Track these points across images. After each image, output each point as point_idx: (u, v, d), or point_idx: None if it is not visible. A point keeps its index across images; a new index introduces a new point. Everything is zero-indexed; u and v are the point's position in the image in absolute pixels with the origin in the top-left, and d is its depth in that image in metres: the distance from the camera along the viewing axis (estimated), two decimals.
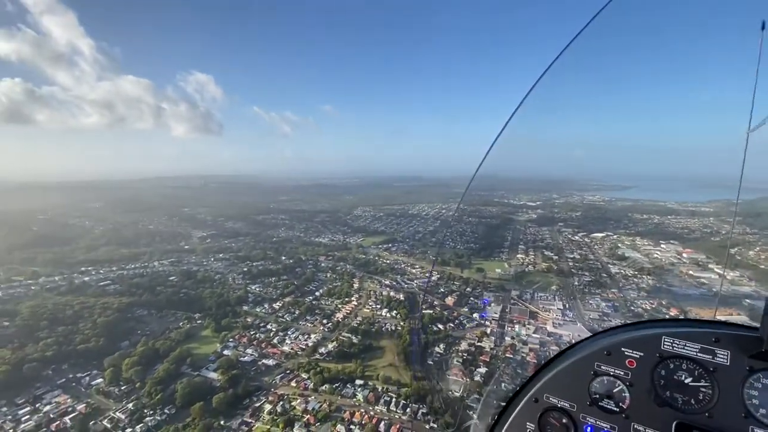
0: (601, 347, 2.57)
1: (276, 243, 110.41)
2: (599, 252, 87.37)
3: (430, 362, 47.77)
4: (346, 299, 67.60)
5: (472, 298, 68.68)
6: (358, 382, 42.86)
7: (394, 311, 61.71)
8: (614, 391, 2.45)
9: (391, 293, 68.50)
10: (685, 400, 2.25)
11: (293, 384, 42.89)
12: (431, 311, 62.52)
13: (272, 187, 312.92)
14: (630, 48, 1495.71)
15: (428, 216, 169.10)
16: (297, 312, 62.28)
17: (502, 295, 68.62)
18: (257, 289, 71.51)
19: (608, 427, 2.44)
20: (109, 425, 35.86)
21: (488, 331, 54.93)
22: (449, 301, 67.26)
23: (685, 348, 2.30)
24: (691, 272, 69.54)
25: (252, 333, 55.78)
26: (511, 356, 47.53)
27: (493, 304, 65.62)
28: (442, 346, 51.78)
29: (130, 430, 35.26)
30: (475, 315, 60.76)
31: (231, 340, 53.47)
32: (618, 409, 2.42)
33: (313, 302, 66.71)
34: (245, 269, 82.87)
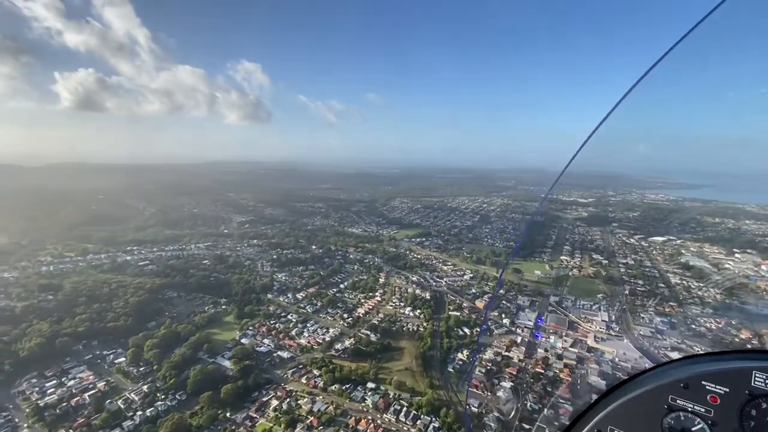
0: (677, 378, 2.29)
1: (309, 231, 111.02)
2: (658, 258, 77.49)
3: (450, 369, 44.21)
4: (370, 294, 65.41)
5: (504, 302, 63.57)
6: (370, 385, 40.52)
7: (418, 310, 58.49)
8: (693, 429, 2.15)
9: (417, 291, 65.22)
10: None
11: (303, 380, 41.51)
12: (458, 313, 58.66)
13: (315, 175, 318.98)
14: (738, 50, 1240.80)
15: (467, 210, 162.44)
16: (319, 304, 61.18)
17: (538, 301, 62.75)
18: (283, 278, 71.50)
19: None
20: (122, 405, 36.55)
21: (518, 340, 50.07)
22: (479, 303, 62.82)
23: None
24: None
25: (272, 322, 55.44)
26: (542, 372, 42.52)
27: (527, 310, 60.26)
28: (465, 352, 47.99)
29: (141, 412, 35.64)
30: (506, 320, 55.87)
31: (250, 328, 53.40)
32: None
33: (337, 295, 65.31)
34: (275, 256, 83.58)
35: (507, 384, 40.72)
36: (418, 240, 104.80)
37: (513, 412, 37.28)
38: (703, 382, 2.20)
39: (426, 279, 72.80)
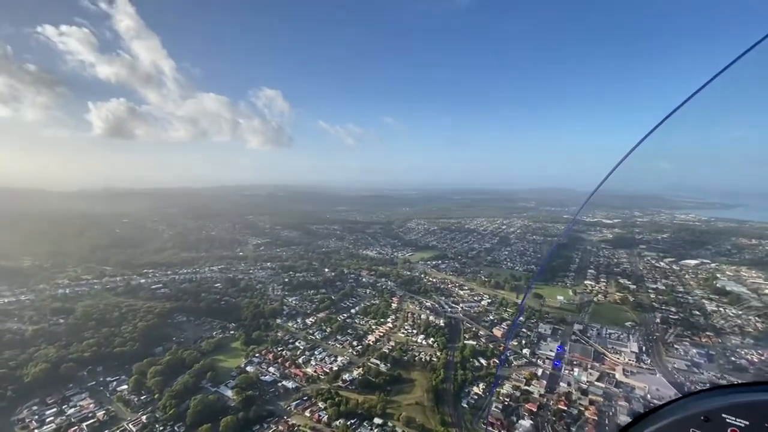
0: (697, 411, 2.20)
1: (323, 254, 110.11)
2: (691, 283, 72.29)
3: (465, 404, 40.90)
4: (382, 320, 62.96)
5: (524, 330, 59.84)
6: (377, 420, 37.80)
7: (432, 339, 55.54)
8: None
9: (431, 317, 62.34)
10: None
11: (307, 414, 39.20)
12: (474, 342, 55.30)
13: (332, 197, 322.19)
14: None
15: (486, 232, 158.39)
16: (328, 330, 59.15)
17: (561, 329, 58.74)
18: (293, 302, 70.11)
19: None
20: None
21: (539, 372, 46.33)
22: (497, 332, 59.23)
23: None
24: None
25: (279, 349, 53.64)
26: (565, 409, 38.73)
27: (549, 339, 56.29)
28: (481, 386, 44.58)
29: None
30: (525, 351, 52.14)
31: (257, 355, 51.76)
32: None
33: (347, 320, 63.20)
34: (287, 279, 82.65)
35: (526, 422, 37.13)
36: (433, 263, 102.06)
37: None
38: (723, 415, 2.09)
39: (441, 304, 69.88)
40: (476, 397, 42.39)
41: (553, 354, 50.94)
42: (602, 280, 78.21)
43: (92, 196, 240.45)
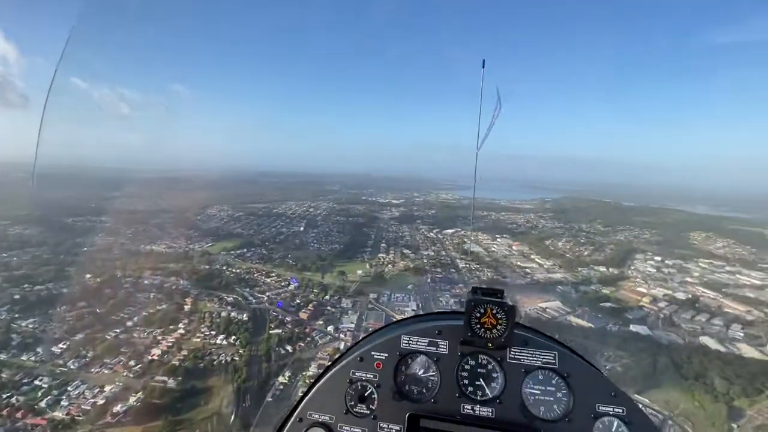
0: (355, 355, 2.66)
1: (83, 255, 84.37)
2: (450, 248, 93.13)
3: (269, 398, 39.98)
4: (171, 327, 53.62)
5: (329, 307, 63.44)
6: None
7: (233, 337, 51.39)
8: (365, 395, 2.54)
9: (233, 314, 57.52)
10: (419, 390, 2.47)
11: None
12: (280, 330, 54.59)
13: (101, 180, 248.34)
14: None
15: (295, 215, 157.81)
16: (90, 354, 45.78)
17: (359, 301, 65.30)
18: (29, 326, 50.81)
19: (360, 431, 2.52)
20: None
21: (341, 346, 50.15)
22: (303, 314, 60.39)
23: (418, 343, 2.52)
24: (519, 263, 78.78)
25: (5, 396, 37.97)
26: None
27: (350, 312, 61.66)
28: (287, 374, 44.55)
29: None
30: (330, 328, 55.47)
31: None
32: (369, 412, 2.51)
33: (120, 336, 50.67)
34: (18, 296, 58.98)
35: None
36: (238, 252, 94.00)
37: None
38: (372, 353, 2.60)
39: (245, 297, 65.48)
40: (281, 387, 42.04)
41: (353, 326, 55.96)
42: (391, 251, 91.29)
43: None
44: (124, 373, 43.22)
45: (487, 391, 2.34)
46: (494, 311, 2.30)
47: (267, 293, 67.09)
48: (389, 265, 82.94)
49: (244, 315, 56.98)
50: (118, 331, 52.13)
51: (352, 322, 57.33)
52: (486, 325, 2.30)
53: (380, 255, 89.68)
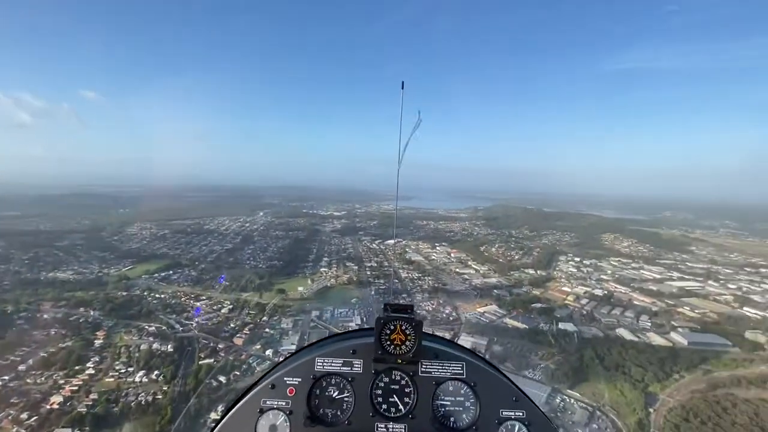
0: (266, 383, 2.48)
1: None
2: (392, 258, 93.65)
3: None
4: (77, 367, 46.03)
5: (267, 329, 59.55)
6: None
7: (156, 371, 45.56)
8: (277, 424, 2.38)
9: (155, 345, 51.16)
10: (334, 413, 2.38)
11: None
12: (212, 359, 49.72)
13: None
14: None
15: (228, 231, 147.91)
16: None
17: (301, 320, 62.31)
18: None
19: None
20: None
21: None
22: (238, 340, 55.81)
23: (332, 365, 2.43)
24: (457, 270, 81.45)
25: None
26: None
27: (290, 332, 58.46)
28: (220, 408, 40.41)
29: None
30: (269, 351, 51.89)
31: None
32: None
33: (10, 384, 42.24)
34: None
35: None
36: (162, 275, 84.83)
37: None
38: (285, 379, 2.44)
39: (171, 325, 58.97)
40: (214, 423, 37.87)
41: (294, 347, 52.94)
42: (334, 265, 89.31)
43: None
44: (14, 430, 35.82)
45: (401, 407, 2.33)
46: (403, 327, 2.29)
47: (196, 319, 61.13)
48: (332, 279, 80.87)
49: (169, 346, 50.83)
50: (6, 378, 43.45)
51: (293, 344, 54.15)
52: (396, 342, 2.29)
53: (323, 269, 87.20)
